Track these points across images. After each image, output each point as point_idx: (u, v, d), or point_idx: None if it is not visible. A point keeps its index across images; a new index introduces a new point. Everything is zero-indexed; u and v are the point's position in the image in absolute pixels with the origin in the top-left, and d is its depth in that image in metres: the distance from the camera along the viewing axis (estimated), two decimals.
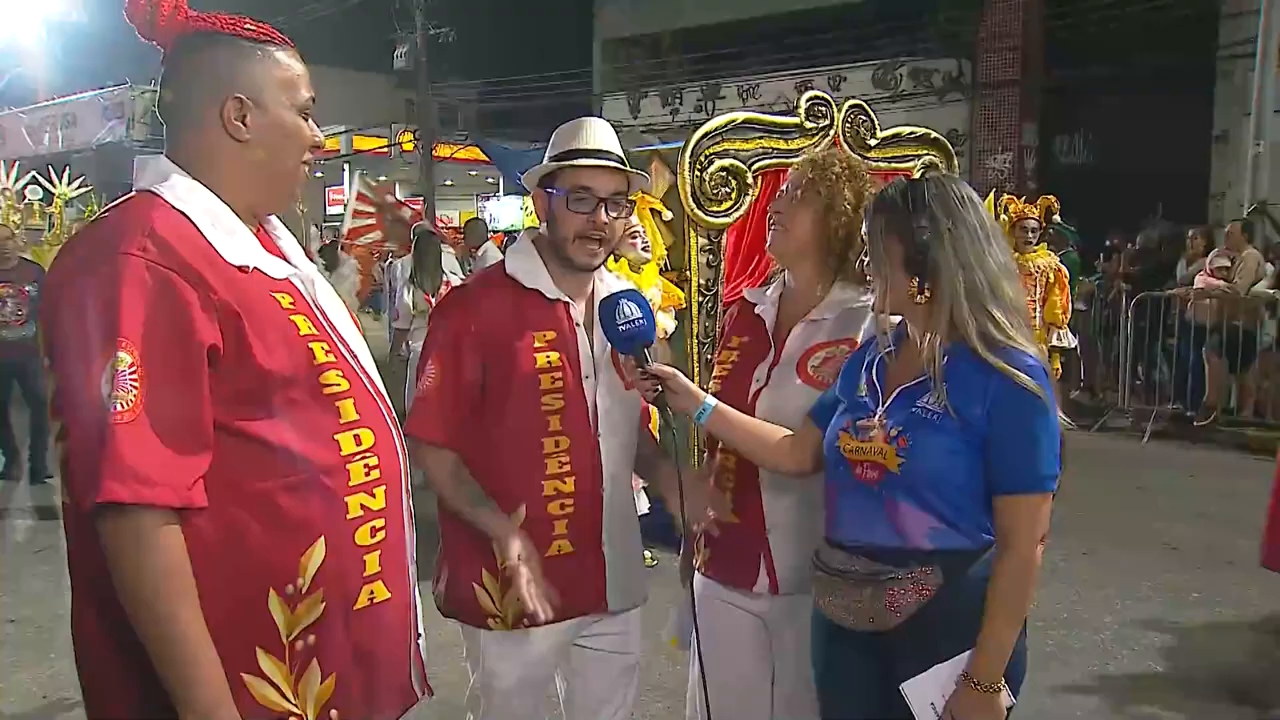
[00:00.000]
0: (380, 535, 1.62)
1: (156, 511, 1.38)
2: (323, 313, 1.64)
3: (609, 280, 2.36)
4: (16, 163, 11.82)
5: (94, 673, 1.53)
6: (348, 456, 1.59)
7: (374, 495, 1.62)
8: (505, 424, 2.17)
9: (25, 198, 11.40)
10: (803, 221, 2.28)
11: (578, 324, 2.24)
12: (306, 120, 1.67)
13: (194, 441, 1.43)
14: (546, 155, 2.26)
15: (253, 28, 1.62)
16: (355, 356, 1.67)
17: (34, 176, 11.58)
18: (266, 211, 1.69)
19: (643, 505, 5.12)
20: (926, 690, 1.89)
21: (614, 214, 2.22)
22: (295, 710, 1.53)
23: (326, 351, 1.60)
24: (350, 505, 1.58)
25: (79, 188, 11.51)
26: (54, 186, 11.31)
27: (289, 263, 1.67)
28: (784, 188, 2.36)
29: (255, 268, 1.56)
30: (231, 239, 1.55)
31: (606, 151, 2.21)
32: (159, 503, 1.38)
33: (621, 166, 2.22)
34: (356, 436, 1.60)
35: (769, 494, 2.27)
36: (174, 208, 1.53)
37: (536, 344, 2.18)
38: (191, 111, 1.60)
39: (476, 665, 2.28)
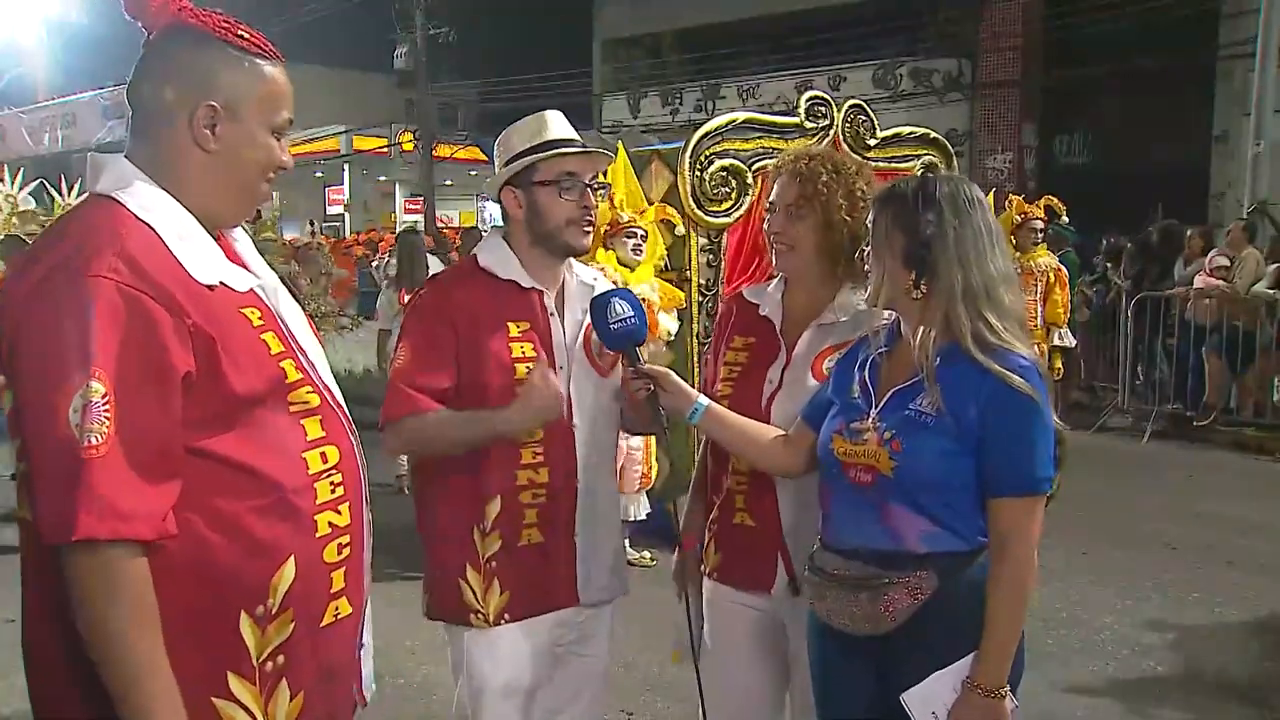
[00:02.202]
0: (346, 552, 1.59)
1: (129, 546, 1.35)
2: (286, 324, 1.60)
3: (579, 269, 2.37)
4: (21, 169, 11.84)
5: (49, 694, 1.48)
6: (315, 475, 1.55)
7: (340, 512, 1.58)
8: None
9: (17, 205, 11.42)
10: (805, 239, 2.25)
11: (551, 312, 2.25)
12: (279, 140, 1.60)
13: (166, 471, 1.39)
14: (503, 158, 2.26)
15: (246, 35, 1.54)
16: (315, 368, 1.62)
17: (42, 183, 11.60)
18: (217, 224, 1.59)
19: (642, 510, 5.13)
20: (927, 699, 1.88)
21: (599, 197, 2.29)
22: None
23: (296, 369, 1.56)
24: (319, 524, 1.55)
25: (80, 194, 11.50)
26: (60, 196, 11.31)
27: (250, 271, 1.61)
28: (772, 199, 2.31)
29: (223, 283, 1.50)
30: (197, 254, 1.49)
31: (577, 140, 2.26)
32: (136, 538, 1.35)
33: (601, 151, 2.29)
34: (323, 454, 1.57)
35: (785, 494, 2.25)
36: (138, 219, 1.46)
37: (512, 334, 2.19)
38: (162, 108, 1.52)
39: (461, 671, 2.27)
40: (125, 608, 1.35)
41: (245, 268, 1.61)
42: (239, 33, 1.54)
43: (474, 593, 2.19)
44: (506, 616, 2.19)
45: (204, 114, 1.51)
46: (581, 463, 2.24)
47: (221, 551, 1.45)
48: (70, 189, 11.10)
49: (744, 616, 2.34)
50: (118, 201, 1.47)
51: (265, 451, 1.49)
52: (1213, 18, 13.82)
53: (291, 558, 1.50)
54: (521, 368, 2.17)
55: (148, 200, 1.49)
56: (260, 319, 1.54)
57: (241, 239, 1.66)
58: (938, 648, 1.87)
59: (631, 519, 5.01)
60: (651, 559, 5.34)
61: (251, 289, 1.56)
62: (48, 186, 11.41)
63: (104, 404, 1.32)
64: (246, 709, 1.48)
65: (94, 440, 1.32)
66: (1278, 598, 4.91)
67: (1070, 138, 16.53)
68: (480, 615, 2.19)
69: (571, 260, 2.35)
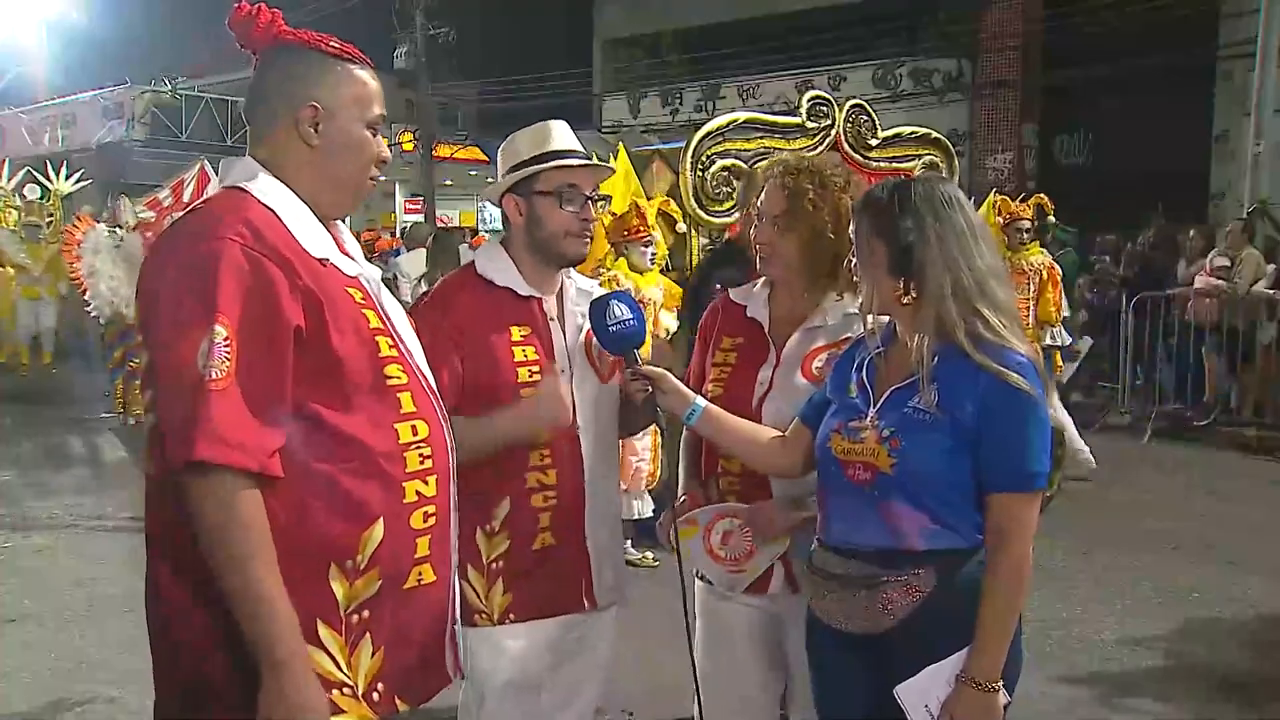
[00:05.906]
0: (431, 521, 1.74)
1: (239, 474, 1.51)
2: (386, 312, 1.77)
3: (576, 276, 2.39)
4: (6, 160, 11.87)
5: (175, 636, 1.62)
6: (405, 445, 1.71)
7: (427, 483, 1.73)
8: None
9: (25, 196, 11.44)
10: (789, 249, 2.28)
11: (550, 319, 2.27)
12: (375, 136, 1.79)
13: (275, 414, 1.55)
14: (506, 164, 2.28)
15: (336, 45, 1.76)
16: (412, 355, 1.79)
17: (29, 172, 11.65)
18: (328, 215, 1.78)
19: (647, 508, 5.12)
20: (920, 693, 1.88)
21: (599, 209, 2.34)
22: (348, 681, 1.63)
23: (390, 346, 1.73)
24: (407, 490, 1.70)
25: (76, 182, 11.54)
26: (51, 182, 11.33)
27: (357, 264, 1.80)
28: (758, 205, 2.32)
29: (331, 262, 1.69)
30: (310, 233, 1.69)
31: (581, 151, 2.28)
32: (242, 466, 1.50)
33: (603, 164, 2.32)
34: (414, 427, 1.73)
35: (779, 493, 2.25)
36: (261, 202, 1.66)
37: (513, 339, 2.21)
38: (272, 115, 1.74)
39: (465, 671, 2.27)
40: (237, 530, 1.50)
41: (354, 261, 1.80)
42: (330, 43, 1.76)
43: (476, 593, 2.19)
44: (511, 616, 2.20)
45: (307, 114, 1.72)
46: (588, 465, 2.26)
47: (317, 507, 1.60)
48: (58, 173, 11.22)
49: (742, 615, 2.35)
50: (244, 190, 1.68)
51: (362, 420, 1.65)
52: (1213, 18, 13.83)
53: (381, 519, 1.65)
54: (524, 371, 2.18)
55: (269, 188, 1.70)
56: (362, 299, 1.72)
57: (350, 241, 1.85)
58: (937, 646, 1.88)
59: (636, 517, 5.01)
60: (654, 560, 5.34)
61: (357, 276, 1.75)
62: (36, 175, 11.49)
63: (225, 345, 1.50)
64: (332, 657, 1.62)
65: (215, 375, 1.49)
66: (1278, 598, 4.91)
67: (1070, 138, 16.54)
68: (484, 615, 2.20)
69: (569, 268, 2.36)
